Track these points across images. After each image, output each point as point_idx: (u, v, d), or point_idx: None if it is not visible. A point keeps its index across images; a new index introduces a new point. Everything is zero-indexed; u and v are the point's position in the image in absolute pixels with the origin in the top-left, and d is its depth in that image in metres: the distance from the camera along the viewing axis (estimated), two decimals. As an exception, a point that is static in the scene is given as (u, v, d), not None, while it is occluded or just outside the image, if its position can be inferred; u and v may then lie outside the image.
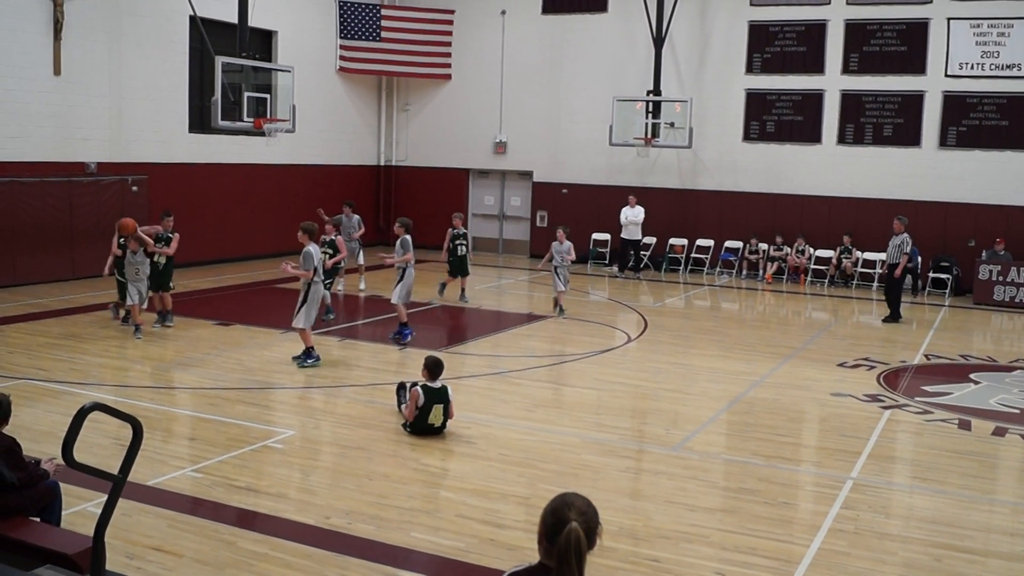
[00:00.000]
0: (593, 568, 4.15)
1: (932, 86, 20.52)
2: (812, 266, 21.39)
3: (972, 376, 12.52)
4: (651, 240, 22.72)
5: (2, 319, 14.03)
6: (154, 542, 6.38)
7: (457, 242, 16.92)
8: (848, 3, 21.06)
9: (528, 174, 24.83)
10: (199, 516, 6.90)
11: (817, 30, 21.39)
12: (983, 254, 19.59)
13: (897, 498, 7.96)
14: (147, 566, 6.02)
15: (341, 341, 13.34)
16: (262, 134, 18.08)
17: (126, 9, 18.49)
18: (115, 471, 4.94)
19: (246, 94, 17.05)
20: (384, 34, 24.47)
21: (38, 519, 5.56)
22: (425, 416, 8.86)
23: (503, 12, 24.32)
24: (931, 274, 20.32)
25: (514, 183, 25.30)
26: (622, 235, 21.77)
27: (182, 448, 8.61)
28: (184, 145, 20.07)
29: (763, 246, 21.99)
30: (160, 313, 13.77)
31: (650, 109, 21.57)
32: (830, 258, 21.21)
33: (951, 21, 20.23)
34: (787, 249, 21.64)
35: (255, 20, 18.21)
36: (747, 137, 22.27)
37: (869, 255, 20.84)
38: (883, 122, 21.03)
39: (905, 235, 16.33)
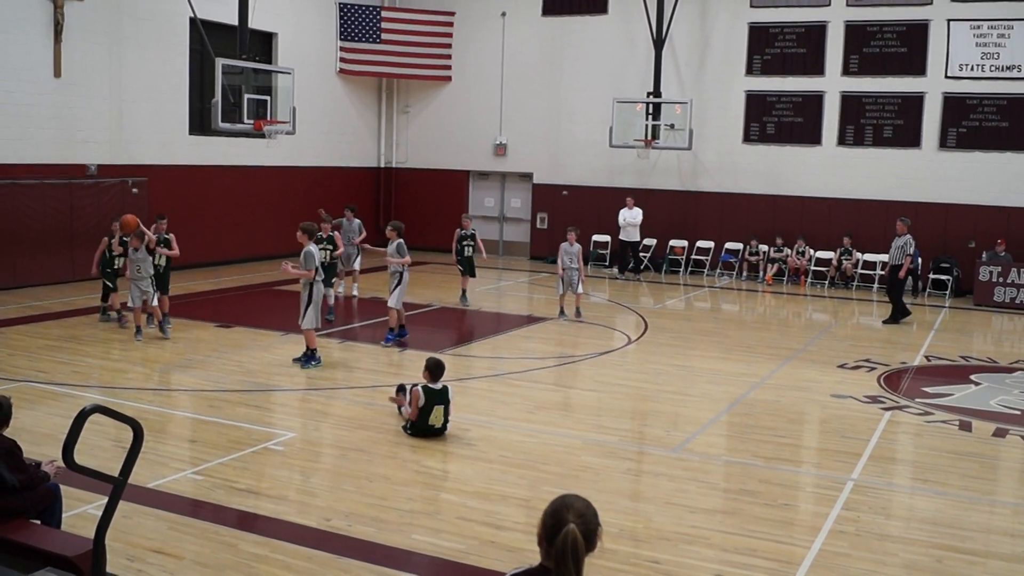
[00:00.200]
0: (593, 570, 4.14)
1: (932, 87, 20.52)
2: (812, 267, 21.39)
3: (972, 377, 12.52)
4: (651, 242, 22.72)
5: (2, 321, 14.02)
6: (155, 544, 6.38)
7: (464, 243, 16.93)
8: (848, 4, 21.07)
9: (528, 176, 24.83)
10: (200, 518, 6.90)
11: (817, 31, 21.40)
12: (983, 255, 19.59)
13: (898, 499, 7.96)
14: (148, 568, 6.02)
15: (341, 343, 13.35)
16: (262, 136, 18.06)
17: (127, 11, 18.51)
18: (116, 473, 4.94)
19: (246, 96, 17.06)
20: (384, 36, 24.48)
21: (38, 521, 5.55)
22: (426, 417, 8.86)
23: (503, 14, 24.32)
24: (931, 275, 20.33)
25: (514, 185, 25.31)
26: (620, 237, 21.77)
27: (183, 450, 8.61)
28: (184, 147, 20.07)
29: (763, 248, 21.99)
30: (155, 319, 13.32)
31: (650, 111, 21.56)
32: (830, 259, 21.20)
33: (951, 22, 20.23)
34: (787, 251, 21.64)
35: (255, 22, 18.21)
36: (747, 139, 22.27)
37: (869, 256, 20.84)
38: (883, 123, 21.03)
39: (908, 236, 16.31)
